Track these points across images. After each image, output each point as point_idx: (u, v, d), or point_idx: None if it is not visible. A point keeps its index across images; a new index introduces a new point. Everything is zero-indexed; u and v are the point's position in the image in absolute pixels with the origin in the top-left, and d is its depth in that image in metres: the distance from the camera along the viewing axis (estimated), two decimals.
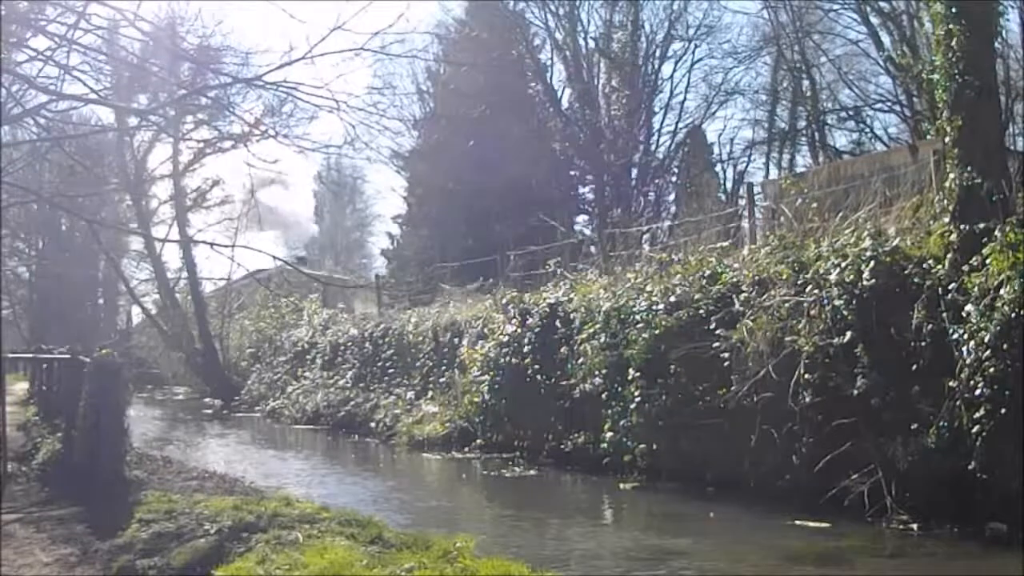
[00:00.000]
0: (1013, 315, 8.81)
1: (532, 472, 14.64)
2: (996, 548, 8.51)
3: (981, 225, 9.68)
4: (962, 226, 9.85)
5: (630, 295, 13.97)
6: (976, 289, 9.32)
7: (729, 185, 32.73)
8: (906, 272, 10.21)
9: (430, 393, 19.81)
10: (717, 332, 11.99)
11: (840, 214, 12.22)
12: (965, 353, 9.17)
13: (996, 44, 12.64)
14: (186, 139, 23.17)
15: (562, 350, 15.21)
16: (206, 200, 34.58)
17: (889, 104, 30.76)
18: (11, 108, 11.83)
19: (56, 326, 41.00)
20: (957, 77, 10.16)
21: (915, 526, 9.38)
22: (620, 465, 13.17)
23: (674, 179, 33.83)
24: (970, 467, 8.95)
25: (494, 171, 29.35)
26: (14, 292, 45.13)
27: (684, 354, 12.28)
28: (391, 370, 21.82)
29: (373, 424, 20.26)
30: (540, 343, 15.74)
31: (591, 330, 14.46)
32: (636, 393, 12.93)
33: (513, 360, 16.15)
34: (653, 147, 33.93)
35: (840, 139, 33.18)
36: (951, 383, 9.25)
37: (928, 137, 19.34)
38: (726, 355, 11.69)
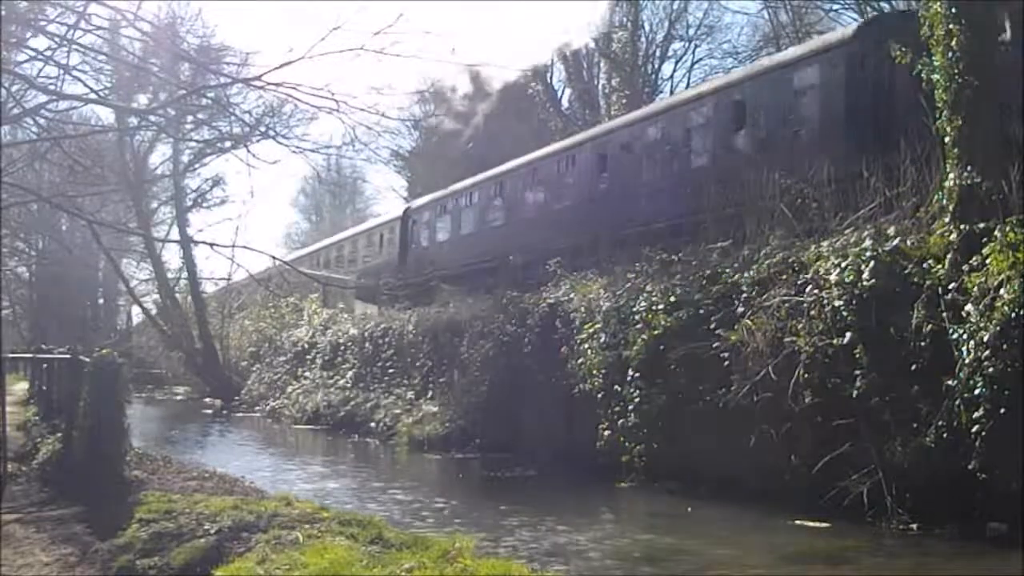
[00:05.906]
0: (1013, 315, 8.80)
1: (531, 472, 14.63)
2: (996, 548, 8.51)
3: (981, 225, 9.68)
4: (962, 226, 9.85)
5: (630, 295, 13.97)
6: (976, 289, 9.31)
7: None
8: (906, 272, 10.19)
9: (430, 393, 19.80)
10: (717, 332, 11.98)
11: (840, 214, 12.21)
12: (965, 353, 9.16)
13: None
14: (186, 139, 23.19)
15: (562, 350, 15.20)
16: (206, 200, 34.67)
17: None
18: (11, 108, 11.85)
19: (56, 326, 41.00)
20: (957, 77, 10.16)
21: (915, 526, 9.38)
22: (619, 465, 13.16)
23: None
24: (970, 467, 8.94)
25: None
26: (14, 292, 45.12)
27: (684, 354, 12.27)
28: (391, 370, 21.82)
29: (373, 424, 20.26)
30: (540, 343, 15.73)
31: (591, 330, 14.45)
32: (635, 393, 12.93)
33: (513, 360, 16.14)
34: None
35: None
36: (951, 383, 9.24)
37: None
38: (726, 355, 11.68)
